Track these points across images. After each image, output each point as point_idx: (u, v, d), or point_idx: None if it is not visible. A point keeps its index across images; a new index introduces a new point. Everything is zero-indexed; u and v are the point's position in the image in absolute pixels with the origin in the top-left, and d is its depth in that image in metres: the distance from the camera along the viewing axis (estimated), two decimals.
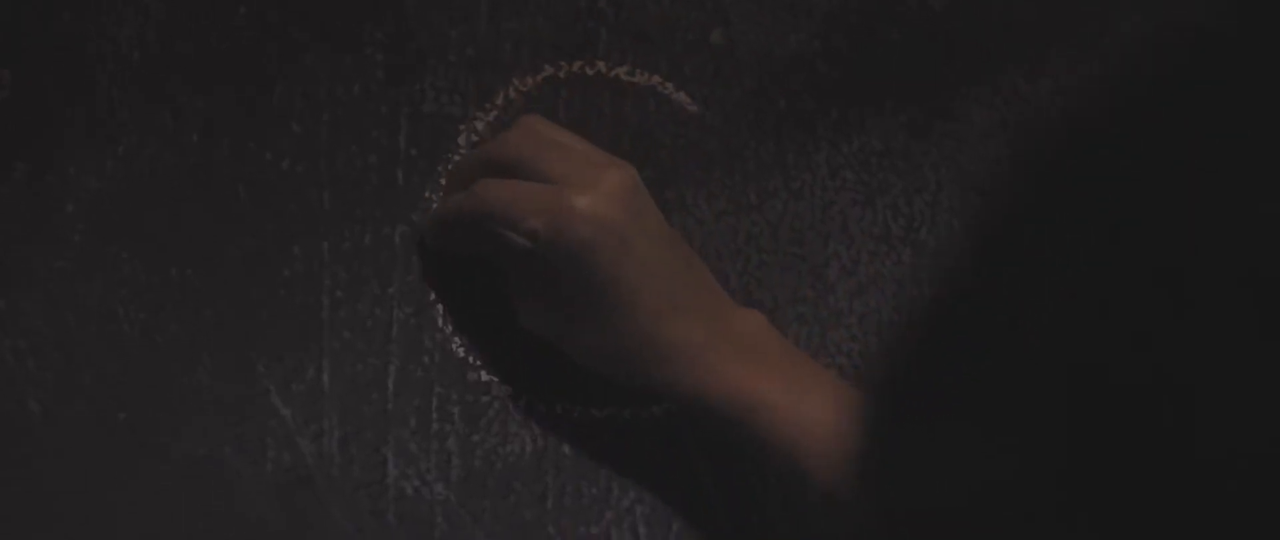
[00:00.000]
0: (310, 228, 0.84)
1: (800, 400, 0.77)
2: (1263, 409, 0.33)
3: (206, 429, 0.81)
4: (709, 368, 0.78)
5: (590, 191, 0.77)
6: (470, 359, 0.83)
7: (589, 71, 0.87)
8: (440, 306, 0.84)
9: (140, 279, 0.83)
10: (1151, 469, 0.34)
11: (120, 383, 0.82)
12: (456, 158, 0.85)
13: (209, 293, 0.83)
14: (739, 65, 0.88)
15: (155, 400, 0.82)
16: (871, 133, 0.88)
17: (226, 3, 0.86)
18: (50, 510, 0.81)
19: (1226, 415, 0.34)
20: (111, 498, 0.81)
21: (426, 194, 0.85)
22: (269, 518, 0.81)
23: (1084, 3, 0.90)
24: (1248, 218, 0.34)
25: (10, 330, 0.82)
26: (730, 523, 0.84)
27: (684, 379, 0.78)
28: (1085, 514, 0.35)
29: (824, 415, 0.76)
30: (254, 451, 0.81)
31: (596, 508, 0.83)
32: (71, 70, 0.85)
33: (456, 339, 0.84)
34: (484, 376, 0.83)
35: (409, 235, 0.84)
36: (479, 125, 0.86)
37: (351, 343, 0.83)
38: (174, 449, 0.81)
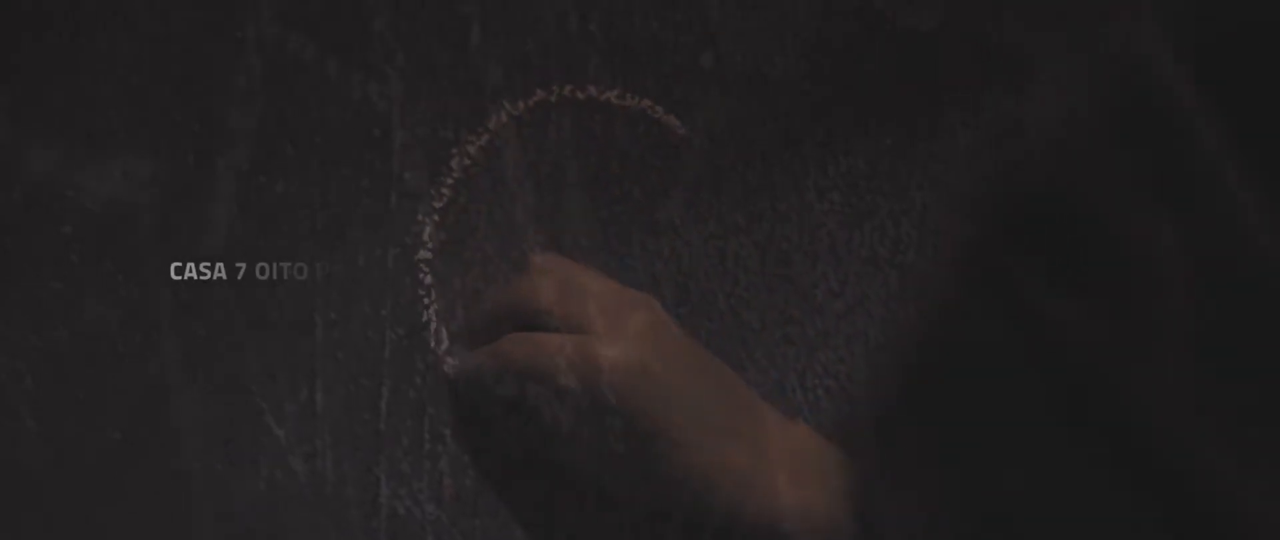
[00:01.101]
0: (303, 249, 0.84)
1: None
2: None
3: (200, 449, 0.82)
4: (764, 491, 0.77)
5: (618, 340, 0.77)
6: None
7: (580, 95, 0.87)
8: (433, 328, 0.84)
9: (135, 299, 0.83)
10: (1155, 491, 0.34)
11: (115, 402, 0.82)
12: (449, 181, 0.86)
13: (203, 313, 0.83)
14: (727, 88, 0.89)
15: (149, 420, 0.82)
16: (858, 155, 0.88)
17: (224, 25, 0.86)
18: (45, 527, 0.81)
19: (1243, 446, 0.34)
20: (106, 516, 0.81)
21: (418, 217, 0.85)
22: (262, 537, 0.81)
23: (1070, 24, 0.90)
24: (1239, 228, 0.34)
25: (6, 349, 0.82)
26: None
27: (742, 505, 0.77)
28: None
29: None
30: (247, 471, 0.82)
31: None
32: (69, 91, 0.85)
33: (449, 360, 0.84)
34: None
35: (401, 257, 0.85)
36: (470, 149, 0.86)
37: (344, 364, 0.83)
38: (168, 469, 0.81)
